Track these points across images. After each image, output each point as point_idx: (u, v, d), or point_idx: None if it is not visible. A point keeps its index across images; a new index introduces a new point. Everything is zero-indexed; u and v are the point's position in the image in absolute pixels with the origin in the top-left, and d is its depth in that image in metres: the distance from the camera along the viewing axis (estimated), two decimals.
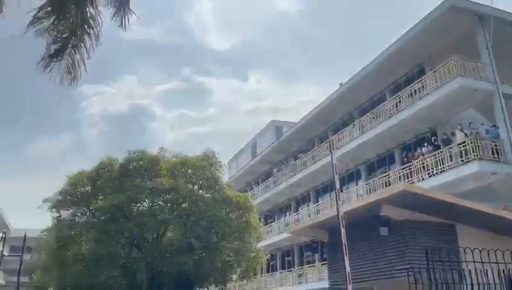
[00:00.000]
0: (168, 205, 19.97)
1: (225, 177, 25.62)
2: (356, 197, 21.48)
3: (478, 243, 7.20)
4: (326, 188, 26.81)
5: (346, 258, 8.18)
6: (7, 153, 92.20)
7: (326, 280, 21.25)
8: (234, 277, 26.76)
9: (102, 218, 19.36)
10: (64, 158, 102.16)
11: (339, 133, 23.19)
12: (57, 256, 19.43)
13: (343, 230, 8.30)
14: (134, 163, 20.34)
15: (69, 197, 20.34)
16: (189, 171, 21.25)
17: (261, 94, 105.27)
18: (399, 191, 9.40)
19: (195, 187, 21.02)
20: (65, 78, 10.45)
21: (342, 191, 17.71)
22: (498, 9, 16.74)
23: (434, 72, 16.92)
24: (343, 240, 8.23)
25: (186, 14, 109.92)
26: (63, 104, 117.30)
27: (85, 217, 20.73)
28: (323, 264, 23.25)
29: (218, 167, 22.26)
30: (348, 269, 8.16)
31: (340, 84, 23.89)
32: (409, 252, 9.30)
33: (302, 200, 30.00)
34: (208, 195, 20.74)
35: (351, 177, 24.21)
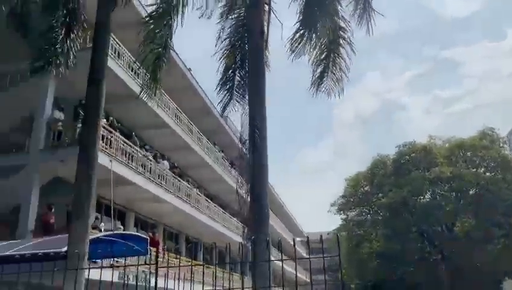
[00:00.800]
0: (453, 193, 18.80)
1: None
2: None
3: None
4: None
5: None
6: (285, 164, 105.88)
7: None
8: None
9: (387, 215, 19.77)
10: (330, 163, 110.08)
11: None
12: (353, 254, 20.91)
13: None
14: (407, 156, 20.13)
15: (351, 199, 21.81)
16: (468, 154, 19.50)
17: None
18: None
19: (481, 170, 19.02)
20: (332, 93, 11.20)
21: None
22: None
23: None
24: None
25: None
26: (318, 114, 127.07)
27: (369, 215, 21.71)
28: None
29: (502, 144, 19.65)
30: None
31: None
32: None
33: None
34: (498, 176, 18.36)
35: None
